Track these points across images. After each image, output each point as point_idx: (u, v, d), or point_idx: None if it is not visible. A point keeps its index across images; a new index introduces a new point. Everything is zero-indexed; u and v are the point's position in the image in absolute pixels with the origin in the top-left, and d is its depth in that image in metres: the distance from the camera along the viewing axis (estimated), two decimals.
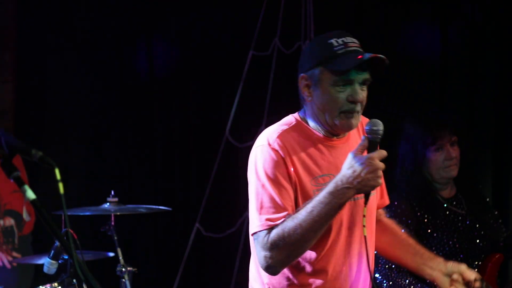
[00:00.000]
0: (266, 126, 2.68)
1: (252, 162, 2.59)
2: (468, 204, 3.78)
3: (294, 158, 2.55)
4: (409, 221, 3.59)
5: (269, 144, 2.55)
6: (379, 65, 2.53)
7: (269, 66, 5.47)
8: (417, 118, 3.83)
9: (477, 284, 2.81)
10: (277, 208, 2.50)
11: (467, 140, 3.82)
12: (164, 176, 5.81)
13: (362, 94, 2.55)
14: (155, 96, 5.81)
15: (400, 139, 3.83)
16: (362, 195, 2.52)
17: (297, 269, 2.60)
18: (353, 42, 2.55)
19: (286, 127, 2.62)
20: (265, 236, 2.49)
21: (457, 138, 3.74)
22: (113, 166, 5.77)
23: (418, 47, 5.22)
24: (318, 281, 2.59)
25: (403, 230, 3.01)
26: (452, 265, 2.83)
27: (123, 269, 3.94)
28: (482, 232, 3.73)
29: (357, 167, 2.42)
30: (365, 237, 2.53)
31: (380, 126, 2.50)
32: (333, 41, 2.54)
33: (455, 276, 2.80)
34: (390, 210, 3.47)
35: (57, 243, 3.42)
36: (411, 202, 3.67)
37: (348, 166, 2.44)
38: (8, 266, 4.89)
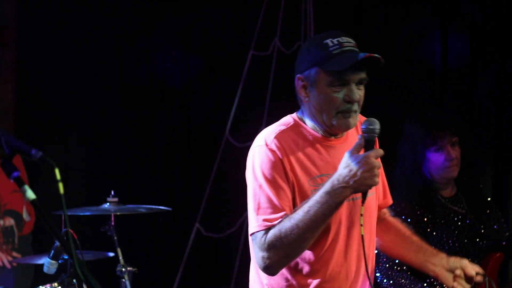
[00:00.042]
0: (266, 126, 2.68)
1: (250, 162, 2.59)
2: (468, 204, 3.78)
3: (292, 159, 2.55)
4: (409, 220, 3.59)
5: (267, 145, 2.55)
6: (375, 64, 2.53)
7: (269, 66, 5.47)
8: (417, 118, 3.83)
9: (479, 278, 2.80)
10: (275, 208, 2.50)
11: (468, 140, 3.82)
12: (164, 176, 5.81)
13: (358, 93, 2.54)
14: (155, 96, 5.81)
15: (400, 139, 3.83)
16: (360, 195, 2.51)
17: (296, 270, 2.59)
18: (348, 42, 2.55)
19: (283, 127, 2.62)
20: (262, 237, 2.49)
21: (457, 139, 3.74)
22: (113, 166, 5.77)
23: (418, 47, 5.22)
24: (317, 282, 2.58)
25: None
26: (454, 261, 2.83)
27: (123, 269, 3.94)
28: (482, 231, 3.74)
29: (353, 166, 2.41)
30: (362, 236, 2.52)
31: (376, 124, 2.49)
32: (328, 41, 2.54)
33: (458, 272, 2.80)
34: (390, 209, 3.47)
35: (57, 243, 3.42)
36: (411, 201, 3.68)
37: (345, 165, 2.43)
38: (8, 266, 4.89)
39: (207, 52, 5.70)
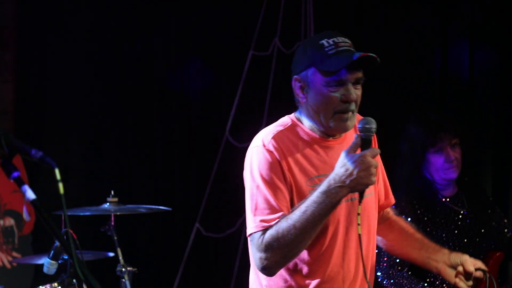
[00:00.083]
0: (266, 126, 2.68)
1: (248, 163, 2.59)
2: (469, 203, 3.78)
3: (289, 159, 2.54)
4: (409, 219, 3.59)
5: (264, 145, 2.55)
6: (371, 64, 2.53)
7: (269, 66, 5.47)
8: (417, 119, 3.82)
9: (478, 274, 2.80)
10: (272, 209, 2.50)
11: (468, 141, 3.82)
12: (164, 176, 5.81)
13: (356, 93, 2.54)
14: (155, 96, 5.81)
15: (401, 139, 3.83)
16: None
17: (295, 271, 2.59)
18: (344, 42, 2.55)
19: (281, 128, 2.61)
20: (259, 238, 2.49)
21: (457, 140, 3.74)
22: (113, 166, 5.77)
23: (418, 47, 5.22)
24: (316, 282, 2.58)
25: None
26: (455, 256, 2.82)
27: (123, 269, 3.94)
28: (483, 231, 3.74)
29: (350, 166, 2.40)
30: (359, 235, 2.52)
31: (372, 124, 2.49)
32: (324, 41, 2.54)
33: (460, 268, 2.79)
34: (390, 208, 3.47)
35: (57, 243, 3.41)
36: (411, 200, 3.68)
37: (341, 165, 2.43)
38: (8, 266, 4.89)
39: (207, 52, 5.70)
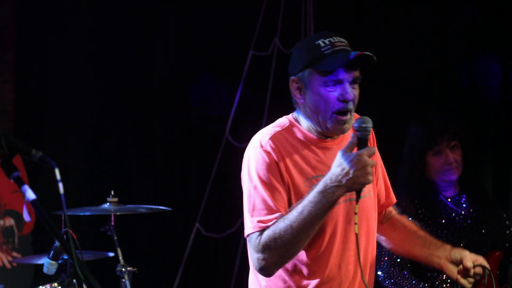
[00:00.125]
0: (266, 126, 2.68)
1: (245, 164, 2.58)
2: (470, 203, 3.78)
3: (287, 160, 2.54)
4: (410, 219, 3.59)
5: (261, 146, 2.55)
6: (367, 63, 2.53)
7: (269, 66, 5.47)
8: (417, 119, 3.82)
9: (477, 270, 2.79)
10: (269, 210, 2.50)
11: (468, 141, 3.82)
12: (164, 176, 5.81)
13: (353, 92, 2.54)
14: (155, 96, 5.81)
15: (403, 139, 3.83)
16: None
17: (294, 271, 2.58)
18: (340, 42, 2.55)
19: (279, 128, 2.61)
20: (257, 238, 2.49)
21: (457, 142, 3.73)
22: (113, 166, 5.76)
23: (418, 47, 5.22)
24: (315, 283, 2.57)
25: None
26: (456, 252, 2.80)
27: (123, 269, 3.94)
28: (483, 231, 3.74)
29: (346, 165, 2.40)
30: (356, 234, 2.51)
31: (369, 123, 2.49)
32: (320, 42, 2.54)
33: (461, 266, 2.79)
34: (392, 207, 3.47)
35: (57, 243, 3.41)
36: (413, 200, 3.68)
37: (337, 164, 2.42)
38: (8, 266, 4.89)
39: (207, 52, 5.70)
